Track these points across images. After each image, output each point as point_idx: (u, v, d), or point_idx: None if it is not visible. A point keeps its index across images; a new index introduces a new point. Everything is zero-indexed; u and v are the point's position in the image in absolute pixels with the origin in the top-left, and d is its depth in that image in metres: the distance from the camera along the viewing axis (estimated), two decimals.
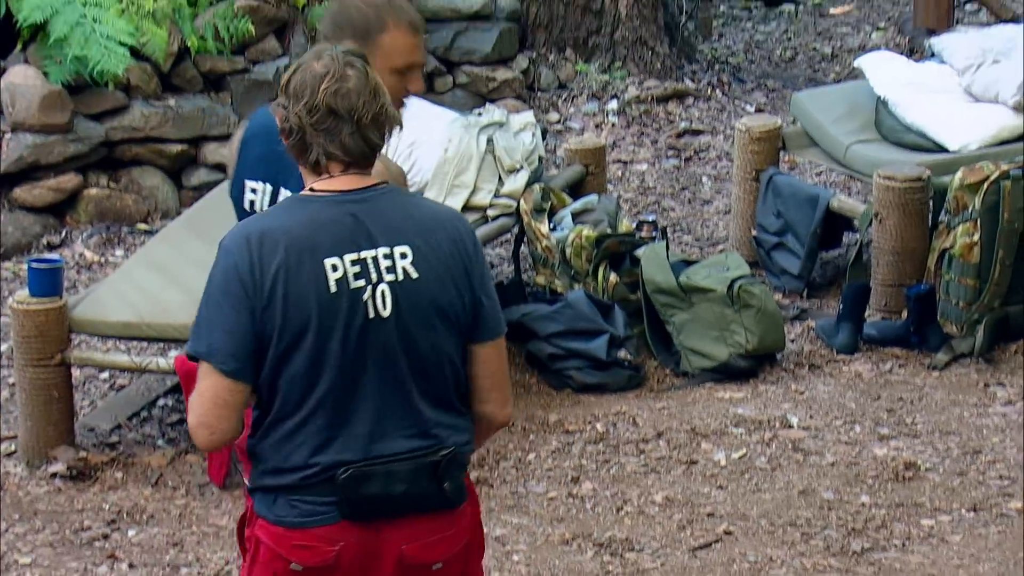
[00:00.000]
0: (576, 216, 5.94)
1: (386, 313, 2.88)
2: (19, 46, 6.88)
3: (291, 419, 2.89)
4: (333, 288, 2.86)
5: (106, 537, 4.83)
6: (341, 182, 2.91)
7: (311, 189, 2.93)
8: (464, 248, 2.95)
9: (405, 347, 2.89)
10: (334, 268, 2.86)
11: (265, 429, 2.91)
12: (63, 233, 6.79)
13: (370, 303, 2.87)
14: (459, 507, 2.97)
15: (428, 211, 2.98)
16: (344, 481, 2.87)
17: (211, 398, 2.88)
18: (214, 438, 2.91)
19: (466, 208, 5.82)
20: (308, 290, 2.84)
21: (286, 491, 2.90)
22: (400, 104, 3.26)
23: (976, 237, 5.67)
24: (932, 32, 8.20)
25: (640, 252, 5.77)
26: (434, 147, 5.85)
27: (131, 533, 4.84)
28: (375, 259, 2.88)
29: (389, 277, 2.88)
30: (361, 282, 2.87)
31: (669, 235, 6.45)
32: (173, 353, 5.30)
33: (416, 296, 2.89)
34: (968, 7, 9.72)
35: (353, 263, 2.87)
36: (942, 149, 6.23)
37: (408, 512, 2.92)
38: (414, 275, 2.89)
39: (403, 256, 2.89)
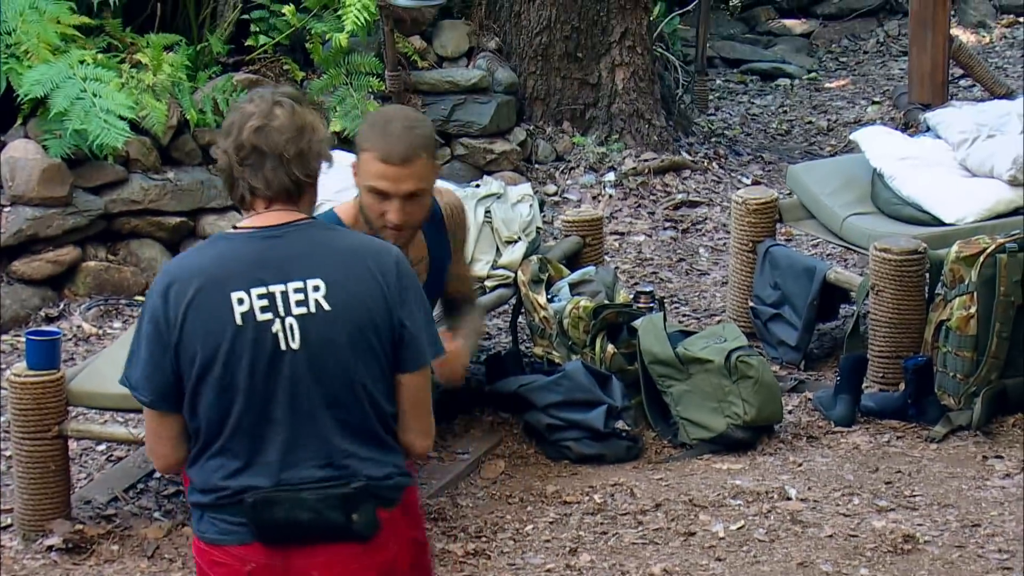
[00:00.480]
0: (573, 287, 5.96)
1: (295, 345, 2.98)
2: (19, 120, 6.93)
3: (213, 445, 3.02)
4: (239, 321, 2.98)
5: None
6: (263, 219, 3.04)
7: (233, 227, 3.07)
8: (387, 279, 3.03)
9: (317, 379, 2.99)
10: (240, 302, 2.98)
11: (195, 455, 3.06)
12: (61, 305, 6.80)
13: (280, 335, 2.98)
14: (373, 539, 3.02)
15: (351, 243, 3.07)
16: (251, 505, 2.99)
17: (147, 425, 3.13)
18: (158, 462, 3.14)
19: None
20: (214, 323, 2.97)
21: (207, 509, 3.04)
22: (382, 227, 3.41)
23: (973, 310, 5.68)
24: (927, 107, 8.26)
25: (637, 323, 5.77)
26: None
27: None
28: (284, 293, 2.99)
29: (299, 310, 2.98)
30: (268, 315, 2.98)
31: (666, 306, 6.46)
32: None
33: (329, 328, 2.99)
34: (962, 83, 9.79)
35: (260, 297, 2.98)
36: (938, 222, 6.25)
37: (316, 540, 3.00)
38: (327, 307, 2.99)
39: (316, 289, 2.99)
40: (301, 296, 2.98)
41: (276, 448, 2.99)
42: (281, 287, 2.99)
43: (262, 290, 2.98)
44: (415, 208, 3.49)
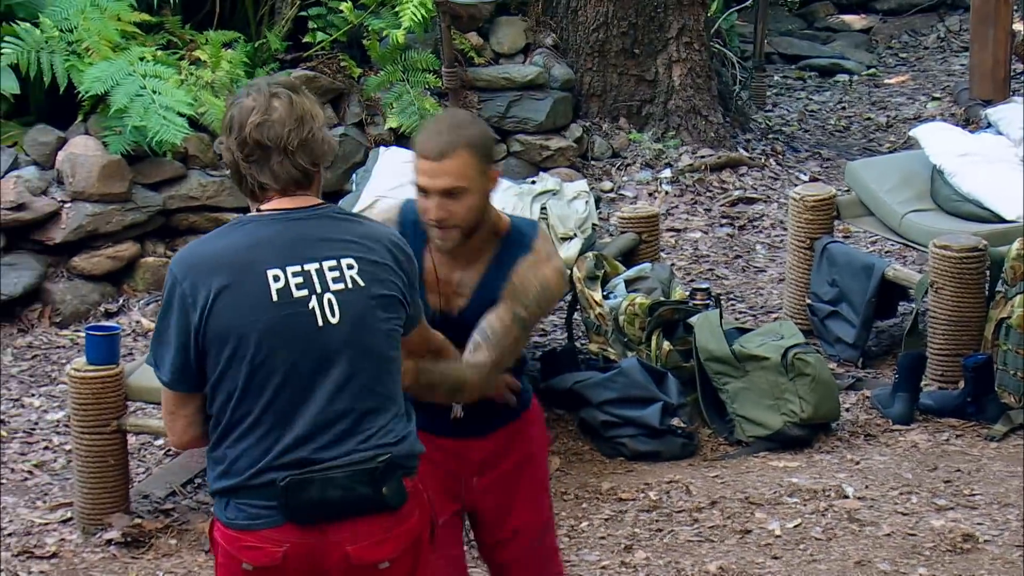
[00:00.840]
0: (629, 284, 5.94)
1: (335, 320, 3.01)
2: (80, 117, 6.99)
3: (240, 425, 3.02)
4: (275, 298, 3.00)
5: None
6: (284, 202, 3.06)
7: (257, 210, 3.08)
8: (406, 256, 3.11)
9: (351, 354, 3.02)
10: (276, 279, 3.00)
11: (219, 435, 3.05)
12: (120, 301, 6.85)
13: (317, 311, 3.00)
14: (400, 508, 3.06)
15: (367, 226, 3.13)
16: (283, 487, 2.99)
17: (164, 404, 3.12)
18: (174, 439, 3.14)
19: None
20: (249, 302, 2.98)
21: (234, 494, 3.04)
22: (429, 225, 3.42)
23: None
24: (988, 103, 8.19)
25: (693, 320, 5.76)
26: None
27: None
28: (319, 270, 3.02)
29: (337, 286, 3.02)
30: (304, 292, 3.01)
31: (722, 303, 6.43)
32: None
33: (364, 304, 3.03)
34: None
35: (295, 274, 3.01)
36: (999, 219, 6.21)
37: (348, 515, 3.02)
38: (361, 283, 3.04)
39: (350, 267, 3.04)
40: (337, 273, 3.02)
41: (307, 426, 3.00)
42: (315, 265, 3.01)
43: (297, 268, 3.01)
44: (455, 206, 3.43)
